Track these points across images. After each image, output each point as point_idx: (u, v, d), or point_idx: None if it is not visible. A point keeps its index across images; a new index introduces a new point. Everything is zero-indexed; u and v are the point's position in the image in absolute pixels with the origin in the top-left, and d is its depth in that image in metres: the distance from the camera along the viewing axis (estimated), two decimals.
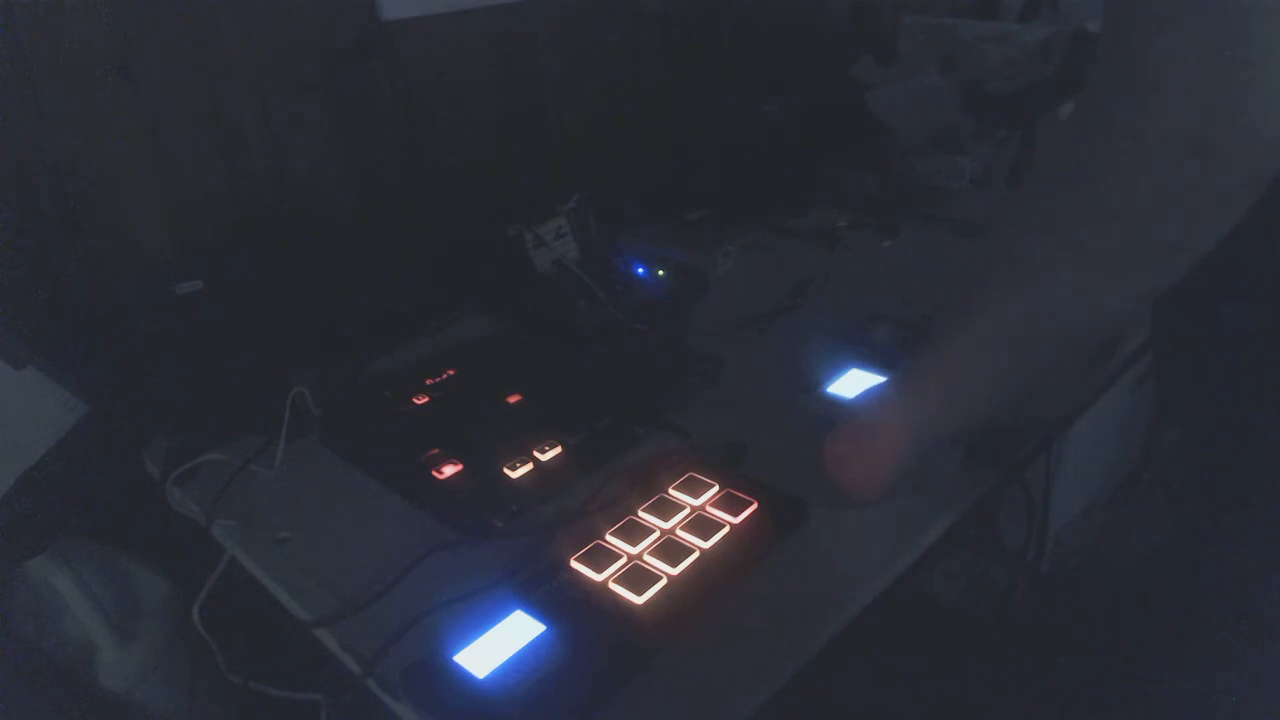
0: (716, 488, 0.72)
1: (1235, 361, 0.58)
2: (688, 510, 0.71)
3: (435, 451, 0.79)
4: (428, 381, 0.91)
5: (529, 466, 0.77)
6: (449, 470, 0.77)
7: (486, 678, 0.56)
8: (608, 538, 0.68)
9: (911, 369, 0.66)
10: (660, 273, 1.09)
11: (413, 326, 1.05)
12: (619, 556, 0.66)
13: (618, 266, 1.11)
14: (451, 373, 0.93)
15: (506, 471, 0.76)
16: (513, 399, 0.87)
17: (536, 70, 1.23)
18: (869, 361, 0.86)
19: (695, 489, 0.72)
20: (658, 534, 0.68)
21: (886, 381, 0.71)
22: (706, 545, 0.67)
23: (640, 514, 0.71)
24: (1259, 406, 0.57)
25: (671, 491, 0.73)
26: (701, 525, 0.69)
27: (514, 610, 0.61)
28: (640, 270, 1.10)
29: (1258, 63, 0.43)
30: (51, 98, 0.84)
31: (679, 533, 0.68)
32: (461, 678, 0.57)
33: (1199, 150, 0.46)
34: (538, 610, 0.61)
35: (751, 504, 0.70)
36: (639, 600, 0.62)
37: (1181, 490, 0.64)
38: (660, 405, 0.85)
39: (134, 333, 0.92)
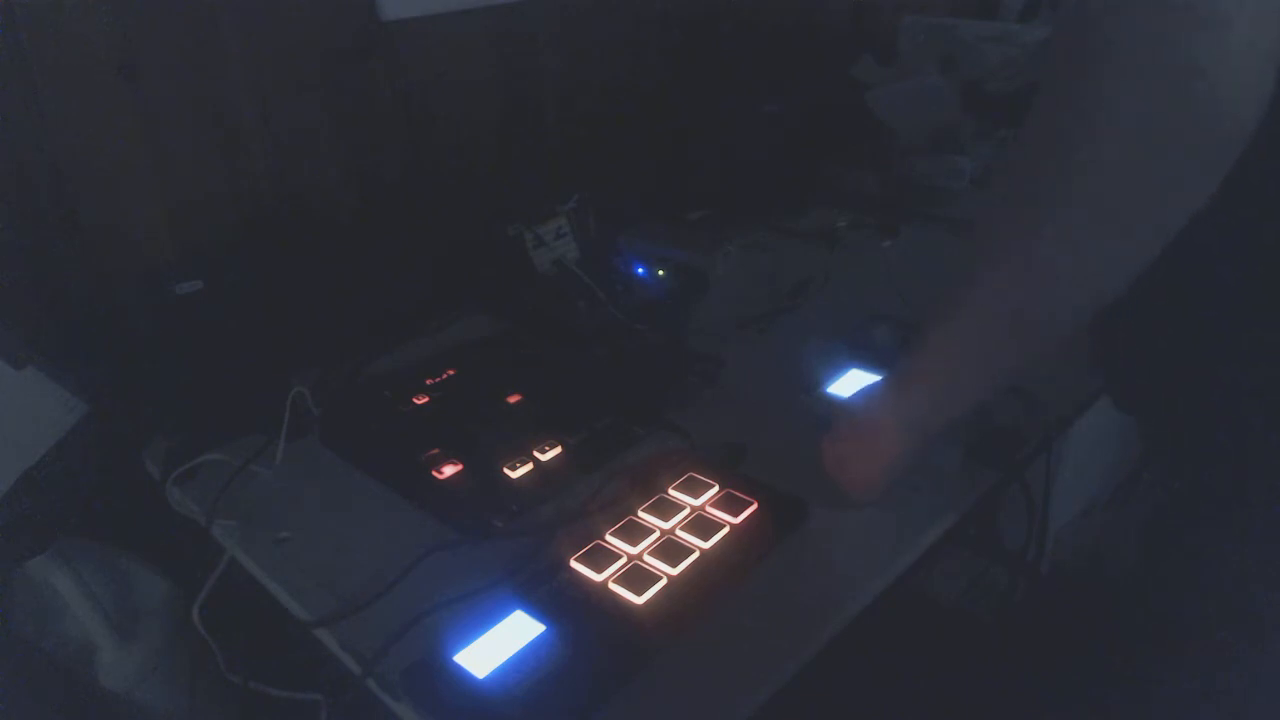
0: (716, 488, 0.72)
1: (1233, 359, 0.58)
2: (688, 510, 0.71)
3: (435, 451, 0.79)
4: (428, 381, 0.91)
5: (529, 466, 0.77)
6: (449, 470, 0.77)
7: (486, 678, 0.56)
8: (608, 538, 0.68)
9: (907, 365, 0.66)
10: (660, 273, 1.09)
11: (413, 326, 1.05)
12: (619, 556, 0.66)
13: (618, 266, 1.11)
14: (451, 373, 0.93)
15: (506, 471, 0.76)
16: (513, 399, 0.87)
17: (536, 70, 1.23)
18: (869, 361, 0.86)
19: (695, 489, 0.72)
20: (658, 534, 0.68)
21: (884, 379, 0.71)
22: (706, 545, 0.67)
23: (640, 514, 0.71)
24: (1258, 406, 0.57)
25: (671, 491, 0.73)
26: (701, 525, 0.69)
27: (514, 610, 0.61)
28: (640, 270, 1.10)
29: (1215, 26, 0.44)
30: (51, 98, 0.85)
31: (679, 533, 0.68)
32: (461, 678, 0.57)
33: (1162, 119, 0.47)
34: (538, 610, 0.61)
35: (751, 504, 0.70)
36: (639, 600, 0.62)
37: (1181, 490, 0.64)
38: (660, 405, 0.85)
39: (134, 333, 0.92)
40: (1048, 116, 0.53)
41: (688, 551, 0.66)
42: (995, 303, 0.58)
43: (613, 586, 0.64)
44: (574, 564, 0.66)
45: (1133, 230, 0.51)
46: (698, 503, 0.71)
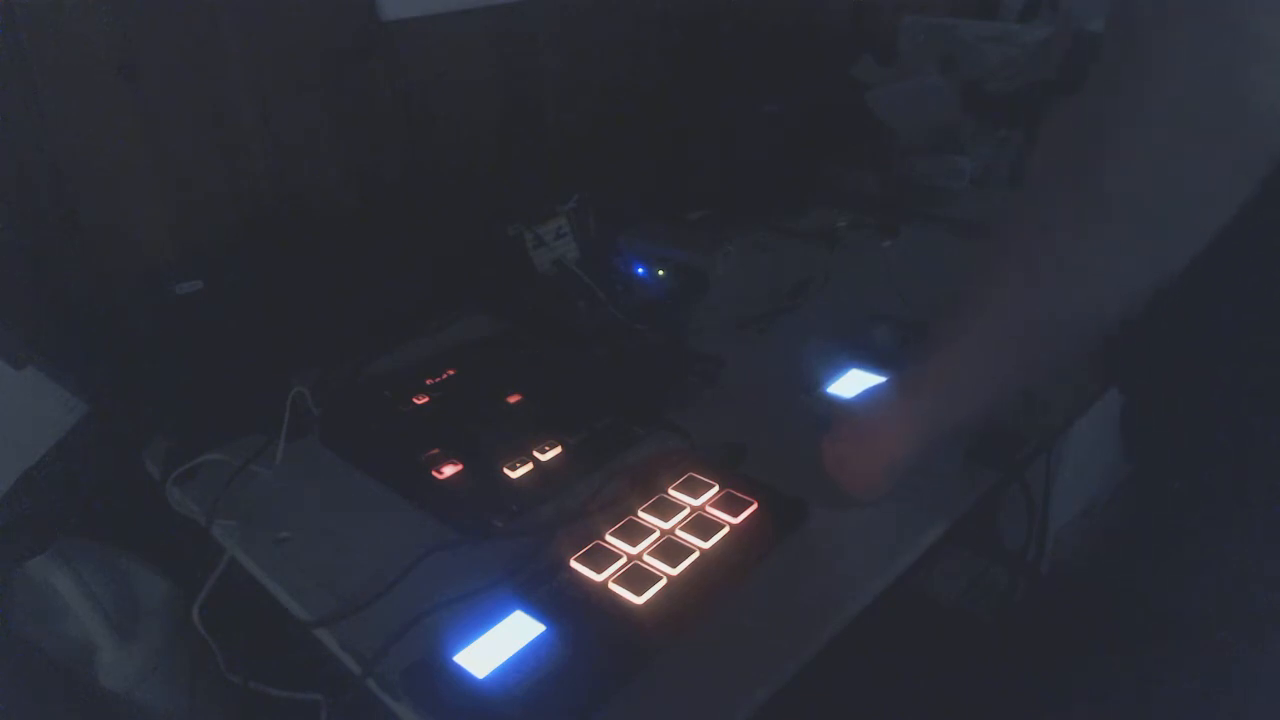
0: (716, 488, 0.72)
1: (1233, 359, 0.58)
2: (688, 510, 0.71)
3: (435, 451, 0.79)
4: (428, 381, 0.91)
5: (529, 466, 0.77)
6: (449, 470, 0.77)
7: (486, 678, 0.56)
8: (608, 538, 0.68)
9: (913, 367, 0.66)
10: (660, 273, 1.09)
11: (413, 326, 1.05)
12: (619, 556, 0.66)
13: (618, 266, 1.11)
14: (451, 373, 0.93)
15: (506, 471, 0.76)
16: (513, 399, 0.87)
17: (536, 70, 1.23)
18: (869, 361, 0.86)
19: (695, 489, 0.72)
20: (658, 534, 0.68)
21: (887, 381, 0.71)
22: (706, 545, 0.67)
23: (640, 514, 0.71)
24: (1258, 406, 0.57)
25: (671, 491, 0.73)
26: (701, 525, 0.69)
27: (514, 610, 0.61)
28: (640, 270, 1.10)
29: (1257, 35, 0.43)
30: (51, 98, 0.85)
31: (679, 533, 0.68)
32: (461, 678, 0.57)
33: (1199, 127, 0.46)
34: (538, 610, 0.61)
35: (751, 504, 0.70)
36: (639, 600, 0.62)
37: (1181, 490, 0.64)
38: (660, 405, 0.85)
39: (134, 333, 0.92)
40: (1081, 125, 0.53)
41: (688, 551, 0.66)
42: (999, 317, 0.58)
43: (613, 586, 0.64)
44: (574, 564, 0.66)
45: (1153, 245, 0.51)
46: (698, 503, 0.71)
